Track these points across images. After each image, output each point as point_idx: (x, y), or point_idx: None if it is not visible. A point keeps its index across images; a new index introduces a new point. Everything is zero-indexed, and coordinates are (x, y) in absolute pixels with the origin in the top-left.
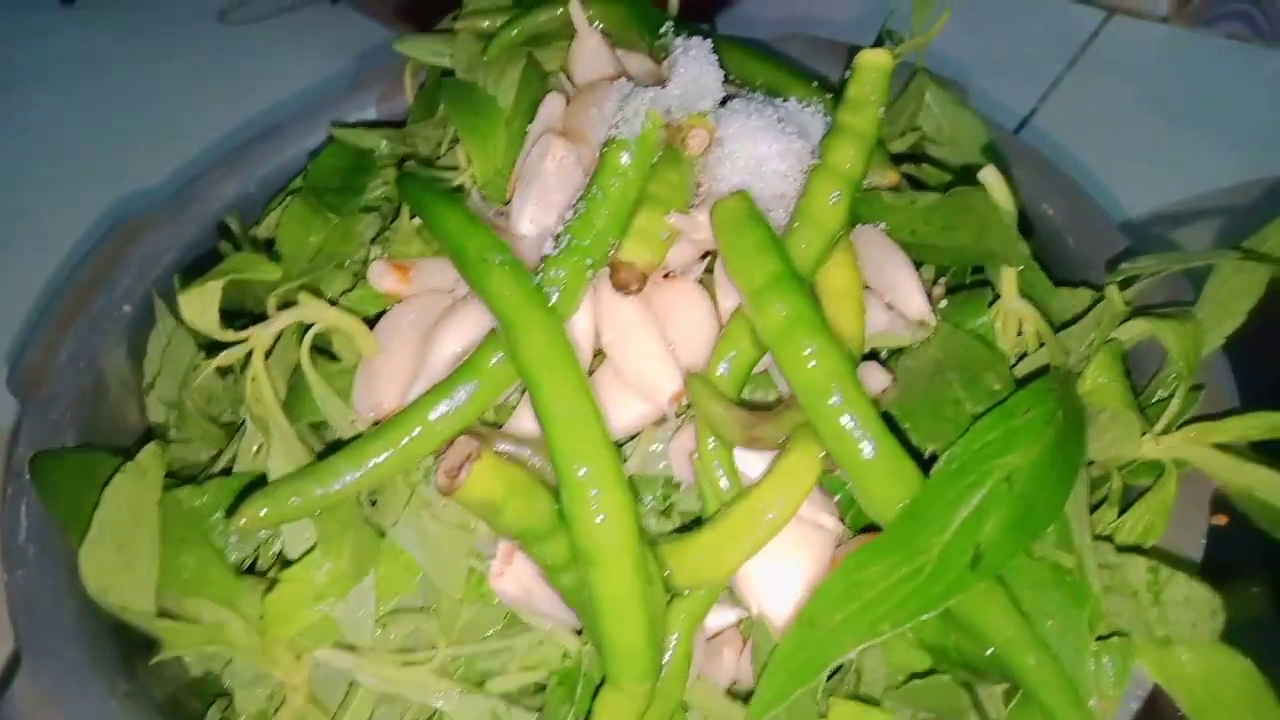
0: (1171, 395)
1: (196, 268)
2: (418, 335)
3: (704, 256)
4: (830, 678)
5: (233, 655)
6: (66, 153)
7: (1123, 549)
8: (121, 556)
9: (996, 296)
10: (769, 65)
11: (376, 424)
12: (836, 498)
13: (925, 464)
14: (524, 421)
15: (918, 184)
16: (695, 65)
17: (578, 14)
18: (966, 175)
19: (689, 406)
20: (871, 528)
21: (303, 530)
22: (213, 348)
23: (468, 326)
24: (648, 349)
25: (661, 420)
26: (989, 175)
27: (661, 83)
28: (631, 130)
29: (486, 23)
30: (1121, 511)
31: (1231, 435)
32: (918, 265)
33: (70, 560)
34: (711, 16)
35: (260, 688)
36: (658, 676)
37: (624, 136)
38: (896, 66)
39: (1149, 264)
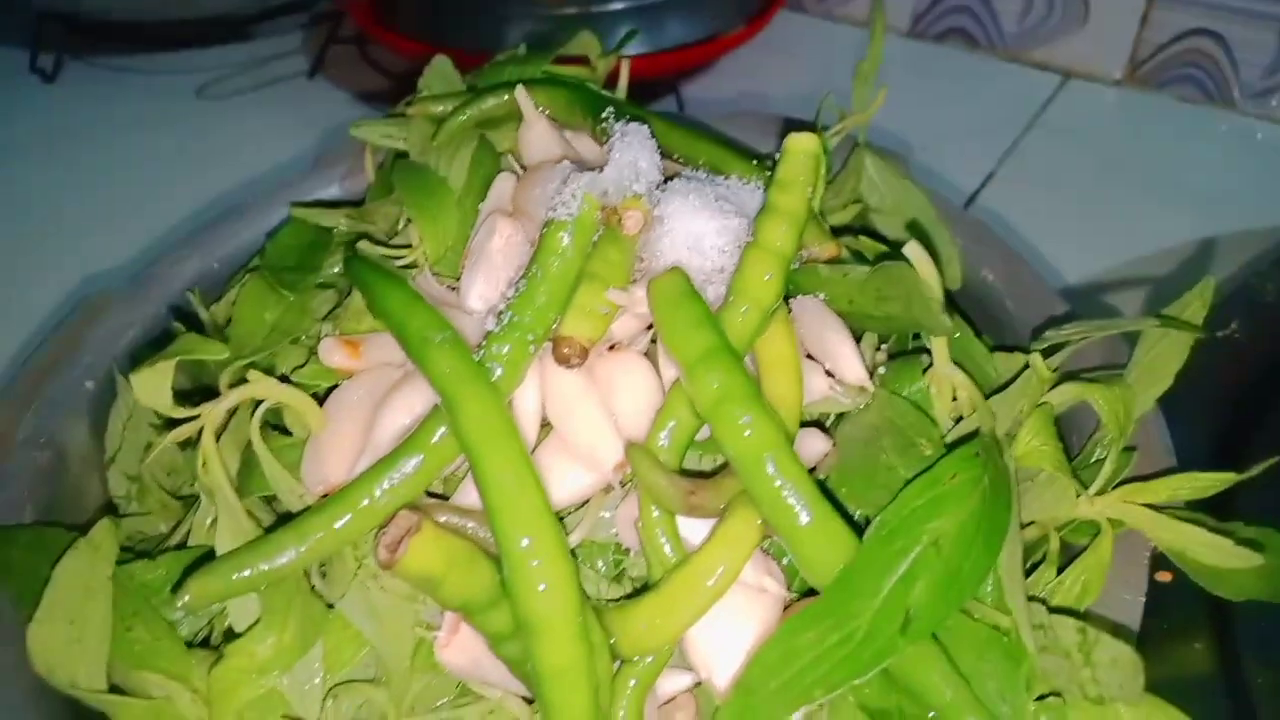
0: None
1: (158, 344)
2: (366, 410)
3: (649, 328)
4: None
5: None
6: (41, 228)
7: (1057, 610)
8: (71, 632)
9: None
10: (710, 144)
11: (324, 498)
12: (785, 561)
13: (860, 529)
14: (470, 493)
15: (861, 256)
16: (632, 149)
17: (524, 100)
18: (899, 248)
19: (633, 475)
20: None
21: (249, 604)
22: (169, 423)
23: (414, 401)
24: (590, 421)
25: (609, 489)
26: (912, 250)
27: (603, 165)
28: (569, 212)
29: (439, 107)
30: (1060, 570)
31: (1162, 495)
32: (859, 334)
33: (22, 637)
34: (677, 90)
35: None
36: None
37: (562, 219)
38: (842, 139)
39: (1073, 331)
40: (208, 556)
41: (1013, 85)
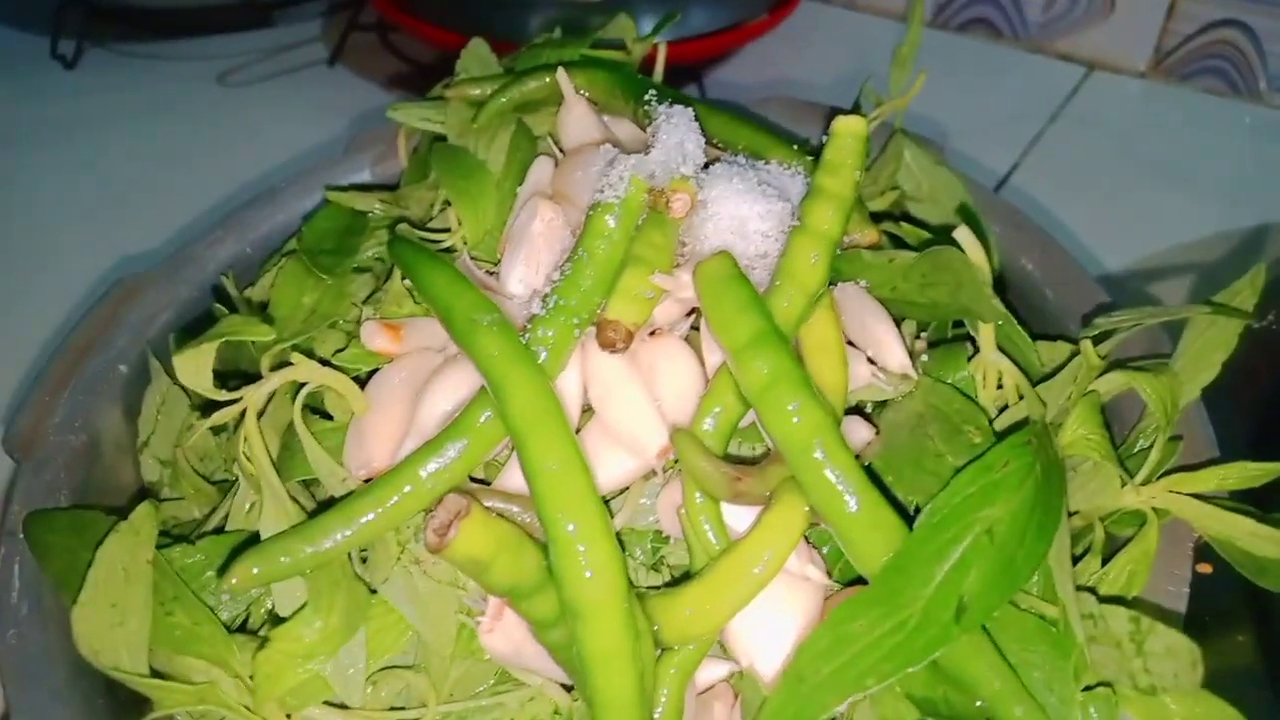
0: (1152, 445)
1: (192, 328)
2: (408, 393)
3: (690, 314)
4: None
5: (224, 714)
6: (65, 214)
7: (1106, 599)
8: (114, 616)
9: (977, 350)
10: (750, 129)
11: (367, 481)
12: (825, 550)
13: (909, 516)
14: (513, 478)
15: (899, 241)
16: (677, 131)
17: (565, 83)
18: (944, 234)
19: (676, 461)
20: (860, 580)
21: (294, 588)
22: (207, 406)
23: (457, 385)
24: (634, 405)
25: (650, 474)
26: (963, 235)
27: (646, 148)
28: (616, 194)
29: (477, 90)
30: (1105, 561)
31: (1210, 485)
32: (899, 320)
33: (62, 620)
34: (700, 78)
35: None
36: None
37: (609, 201)
38: (876, 127)
39: (1124, 319)
40: (248, 541)
41: (1037, 76)
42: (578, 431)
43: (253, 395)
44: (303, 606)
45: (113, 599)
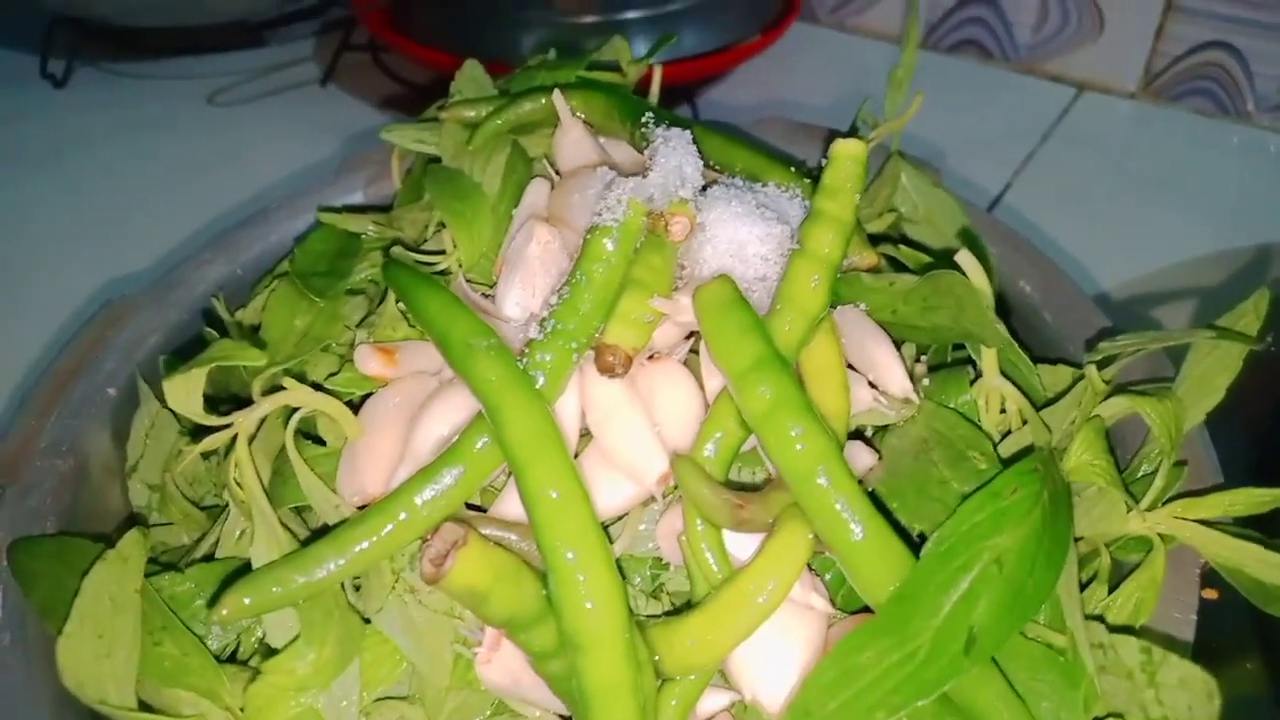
0: (1156, 471)
1: (182, 351)
2: (403, 419)
3: (689, 337)
4: None
5: None
6: (54, 234)
7: (1115, 629)
8: (101, 647)
9: (978, 374)
10: (748, 151)
11: (361, 509)
12: (827, 577)
13: (914, 543)
14: (510, 504)
15: (897, 264)
16: (675, 154)
17: (561, 104)
18: (944, 257)
19: (676, 487)
20: (863, 608)
21: (286, 618)
22: (197, 430)
23: (453, 410)
24: (633, 431)
25: (649, 501)
26: (965, 258)
27: (643, 171)
28: (614, 217)
29: (472, 112)
30: (1112, 589)
31: (1216, 510)
32: (899, 344)
33: (48, 648)
34: (692, 99)
35: None
36: None
37: (607, 224)
38: (873, 149)
39: (1127, 343)
40: (239, 570)
41: (1027, 97)
42: (576, 457)
43: (244, 420)
44: (295, 638)
45: (100, 629)
